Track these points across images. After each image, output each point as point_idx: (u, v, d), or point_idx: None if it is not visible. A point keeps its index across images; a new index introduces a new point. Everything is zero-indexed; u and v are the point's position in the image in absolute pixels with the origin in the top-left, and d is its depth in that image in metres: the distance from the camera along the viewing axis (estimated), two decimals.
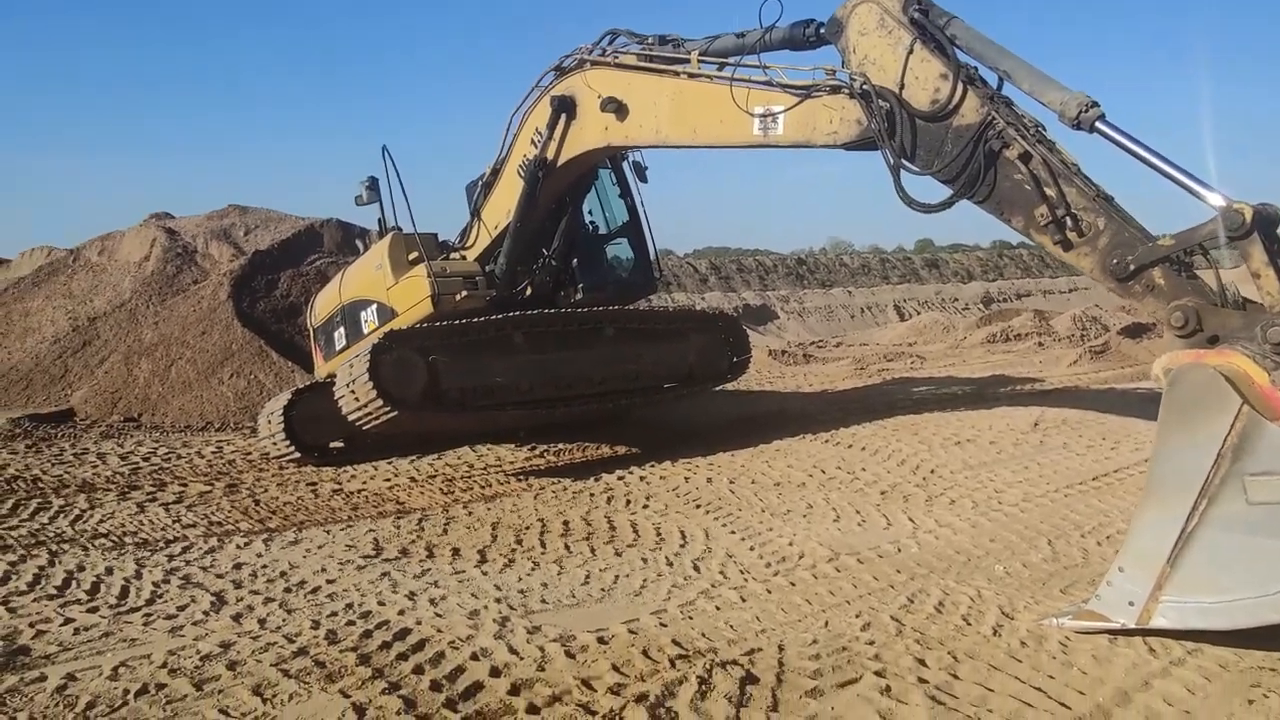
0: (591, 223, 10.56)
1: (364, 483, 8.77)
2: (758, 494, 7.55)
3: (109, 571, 5.90)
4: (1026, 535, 5.98)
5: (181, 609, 5.16)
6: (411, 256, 9.63)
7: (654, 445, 9.71)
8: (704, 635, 4.45)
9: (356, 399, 8.19)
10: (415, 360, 8.36)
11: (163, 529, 7.14)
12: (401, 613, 4.96)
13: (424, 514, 7.37)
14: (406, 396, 8.25)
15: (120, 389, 13.47)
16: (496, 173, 9.23)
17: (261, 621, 4.91)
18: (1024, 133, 5.06)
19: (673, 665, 4.08)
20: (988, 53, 5.30)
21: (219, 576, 5.81)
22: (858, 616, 4.64)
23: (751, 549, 6.00)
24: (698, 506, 7.26)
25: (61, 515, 7.49)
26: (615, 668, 4.08)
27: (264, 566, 6.02)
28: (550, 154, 8.51)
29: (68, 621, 4.97)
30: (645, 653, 4.23)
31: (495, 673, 4.09)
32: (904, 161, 5.59)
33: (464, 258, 9.64)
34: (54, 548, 6.49)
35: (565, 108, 8.28)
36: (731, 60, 6.80)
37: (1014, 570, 5.31)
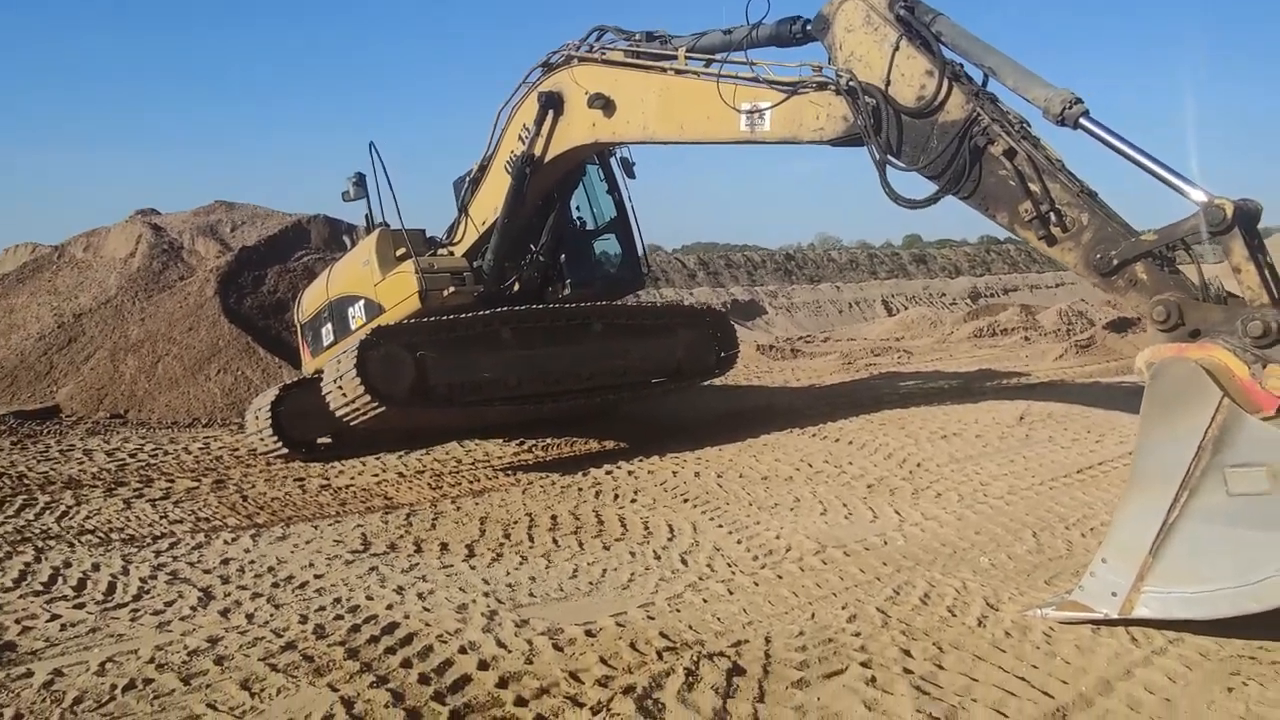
0: (579, 218, 10.60)
1: (352, 478, 8.76)
2: (745, 488, 7.58)
3: (95, 568, 5.89)
4: (1011, 528, 6.03)
5: (169, 604, 5.16)
6: (399, 252, 9.62)
7: (642, 440, 9.73)
8: (691, 628, 4.48)
9: (344, 394, 8.18)
10: (403, 356, 8.36)
11: (150, 525, 7.12)
12: (389, 607, 4.97)
13: (412, 509, 7.37)
14: (394, 392, 8.25)
15: (106, 385, 13.41)
16: (484, 169, 9.22)
17: (249, 616, 4.91)
18: (1009, 129, 5.09)
19: (660, 657, 4.10)
20: (973, 49, 5.32)
21: (206, 572, 5.80)
22: (844, 608, 4.67)
23: (739, 542, 6.03)
24: (685, 500, 7.29)
25: (47, 512, 7.46)
26: (603, 660, 4.10)
27: (251, 562, 6.01)
28: (538, 150, 8.51)
29: (54, 617, 4.96)
30: (633, 645, 4.26)
31: (483, 666, 4.11)
32: (890, 157, 5.61)
33: (451, 254, 9.64)
34: (40, 544, 6.47)
35: (553, 104, 8.27)
36: (719, 57, 6.81)
37: (999, 562, 5.36)
